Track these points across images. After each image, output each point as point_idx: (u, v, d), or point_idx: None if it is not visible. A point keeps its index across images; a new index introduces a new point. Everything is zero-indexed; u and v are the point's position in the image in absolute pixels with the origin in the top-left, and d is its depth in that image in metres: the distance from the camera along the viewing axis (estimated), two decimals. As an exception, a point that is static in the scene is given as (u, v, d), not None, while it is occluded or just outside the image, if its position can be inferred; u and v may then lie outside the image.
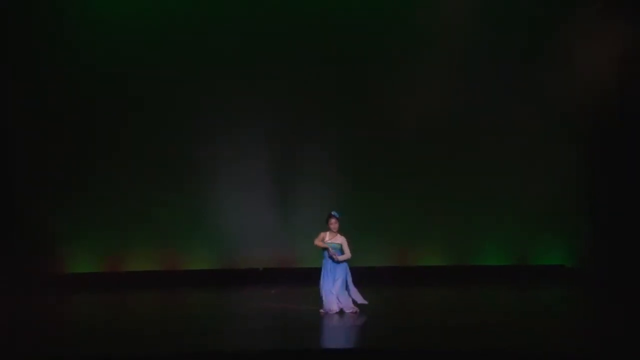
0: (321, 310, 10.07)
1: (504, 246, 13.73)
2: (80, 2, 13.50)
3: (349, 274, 10.19)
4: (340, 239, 10.17)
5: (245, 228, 13.46)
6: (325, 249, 10.11)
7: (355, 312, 9.99)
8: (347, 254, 10.13)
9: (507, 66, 13.51)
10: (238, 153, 13.58)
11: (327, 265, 10.12)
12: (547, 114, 13.57)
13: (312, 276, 10.51)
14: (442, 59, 13.50)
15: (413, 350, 7.84)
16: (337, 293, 10.03)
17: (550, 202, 13.55)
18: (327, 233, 10.15)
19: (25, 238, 13.33)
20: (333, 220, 10.08)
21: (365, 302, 10.15)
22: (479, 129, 13.58)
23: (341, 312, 10.02)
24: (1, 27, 13.26)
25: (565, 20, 13.51)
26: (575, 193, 13.59)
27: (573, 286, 12.88)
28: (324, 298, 10.09)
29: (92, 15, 13.41)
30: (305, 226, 10.81)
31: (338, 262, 10.06)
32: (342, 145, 13.64)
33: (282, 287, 12.83)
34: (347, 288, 10.14)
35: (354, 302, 10.13)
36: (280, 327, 9.40)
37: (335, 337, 9.15)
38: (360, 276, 10.36)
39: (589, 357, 7.65)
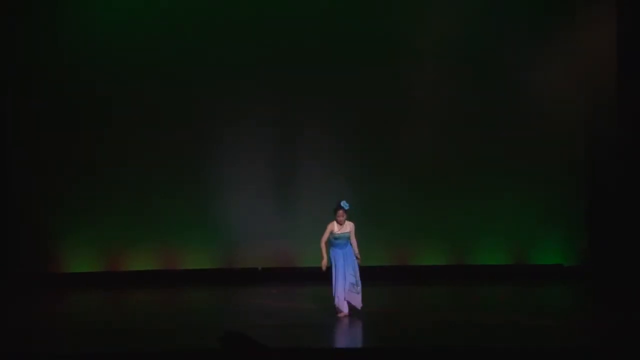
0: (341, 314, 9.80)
1: (502, 246, 13.72)
2: (83, 2, 13.58)
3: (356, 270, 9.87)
4: (349, 227, 9.84)
5: (244, 227, 13.42)
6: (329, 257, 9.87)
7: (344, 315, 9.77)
8: (354, 242, 9.85)
9: (509, 66, 13.51)
10: (238, 152, 13.55)
11: (339, 263, 9.78)
12: (547, 113, 13.58)
13: (312, 275, 10.52)
14: (442, 58, 13.54)
15: (413, 349, 7.87)
16: (348, 289, 9.71)
17: (548, 202, 13.55)
18: (335, 224, 9.80)
19: (23, 237, 13.34)
20: (341, 212, 9.67)
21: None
22: (479, 128, 13.57)
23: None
24: (1, 26, 13.29)
25: (566, 20, 13.54)
26: (573, 192, 13.59)
27: (571, 285, 12.90)
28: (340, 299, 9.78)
29: (94, 15, 13.45)
30: (305, 226, 10.78)
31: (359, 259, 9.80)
32: (342, 145, 13.61)
33: (281, 286, 12.82)
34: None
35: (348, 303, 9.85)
36: (279, 326, 9.42)
37: (336, 337, 9.18)
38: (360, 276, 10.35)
39: (587, 355, 7.69)
